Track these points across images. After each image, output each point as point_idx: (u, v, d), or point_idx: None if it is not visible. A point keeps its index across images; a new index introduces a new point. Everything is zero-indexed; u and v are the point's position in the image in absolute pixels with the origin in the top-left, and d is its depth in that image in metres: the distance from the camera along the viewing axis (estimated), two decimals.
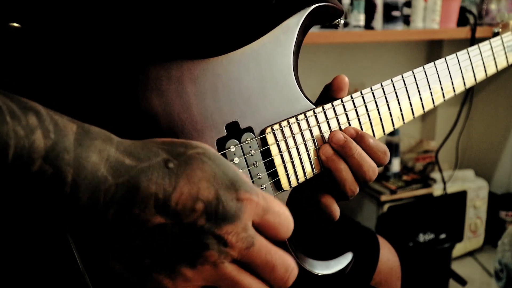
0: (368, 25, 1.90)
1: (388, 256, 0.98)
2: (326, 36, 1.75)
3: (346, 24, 1.86)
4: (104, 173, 0.41)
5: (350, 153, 0.62)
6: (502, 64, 0.86)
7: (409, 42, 2.37)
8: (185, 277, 0.44)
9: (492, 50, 0.85)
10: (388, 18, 1.92)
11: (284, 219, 0.48)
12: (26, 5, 0.53)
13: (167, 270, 0.44)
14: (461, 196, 2.30)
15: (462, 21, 2.08)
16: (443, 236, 2.04)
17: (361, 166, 0.62)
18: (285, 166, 0.62)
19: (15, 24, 0.51)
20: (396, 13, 1.92)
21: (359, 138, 0.63)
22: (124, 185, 0.42)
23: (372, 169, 0.63)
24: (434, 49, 2.41)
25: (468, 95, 2.28)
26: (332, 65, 2.22)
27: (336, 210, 0.65)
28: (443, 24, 2.04)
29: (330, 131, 0.65)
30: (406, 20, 2.03)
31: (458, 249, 2.30)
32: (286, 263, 0.48)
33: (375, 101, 0.69)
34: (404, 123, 0.72)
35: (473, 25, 2.04)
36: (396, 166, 2.15)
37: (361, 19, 1.85)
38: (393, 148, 2.14)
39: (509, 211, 2.38)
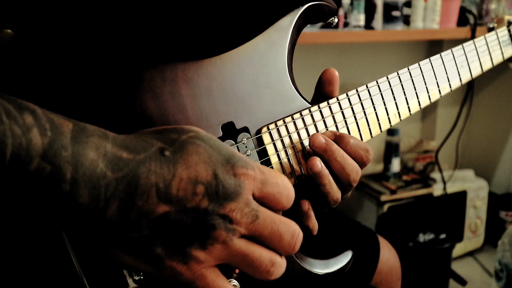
0: (368, 25, 1.90)
1: (388, 256, 0.98)
2: (326, 36, 1.75)
3: (346, 24, 1.86)
4: (103, 169, 0.41)
5: (333, 156, 0.61)
6: (497, 58, 0.86)
7: (409, 42, 2.36)
8: (198, 260, 0.45)
9: (488, 45, 0.84)
10: (388, 18, 1.92)
11: (283, 188, 0.49)
12: (19, 10, 0.53)
13: (179, 256, 0.44)
14: (461, 196, 2.29)
15: (462, 21, 2.08)
16: (443, 236, 2.03)
17: (344, 169, 0.62)
18: (282, 165, 0.62)
19: (9, 31, 0.51)
20: (396, 13, 1.92)
21: (338, 139, 0.63)
22: (125, 178, 0.42)
23: (355, 170, 0.63)
24: (434, 49, 2.41)
25: (468, 95, 2.27)
26: (332, 65, 2.21)
27: (312, 216, 0.64)
28: (443, 24, 2.04)
29: (326, 130, 0.65)
30: (406, 20, 2.03)
31: (458, 249, 2.29)
32: (291, 230, 0.49)
33: (371, 99, 0.69)
34: (400, 120, 0.72)
35: (473, 25, 2.04)
36: (396, 166, 2.15)
37: (361, 19, 1.85)
38: (393, 148, 2.13)
39: (509, 211, 2.37)
